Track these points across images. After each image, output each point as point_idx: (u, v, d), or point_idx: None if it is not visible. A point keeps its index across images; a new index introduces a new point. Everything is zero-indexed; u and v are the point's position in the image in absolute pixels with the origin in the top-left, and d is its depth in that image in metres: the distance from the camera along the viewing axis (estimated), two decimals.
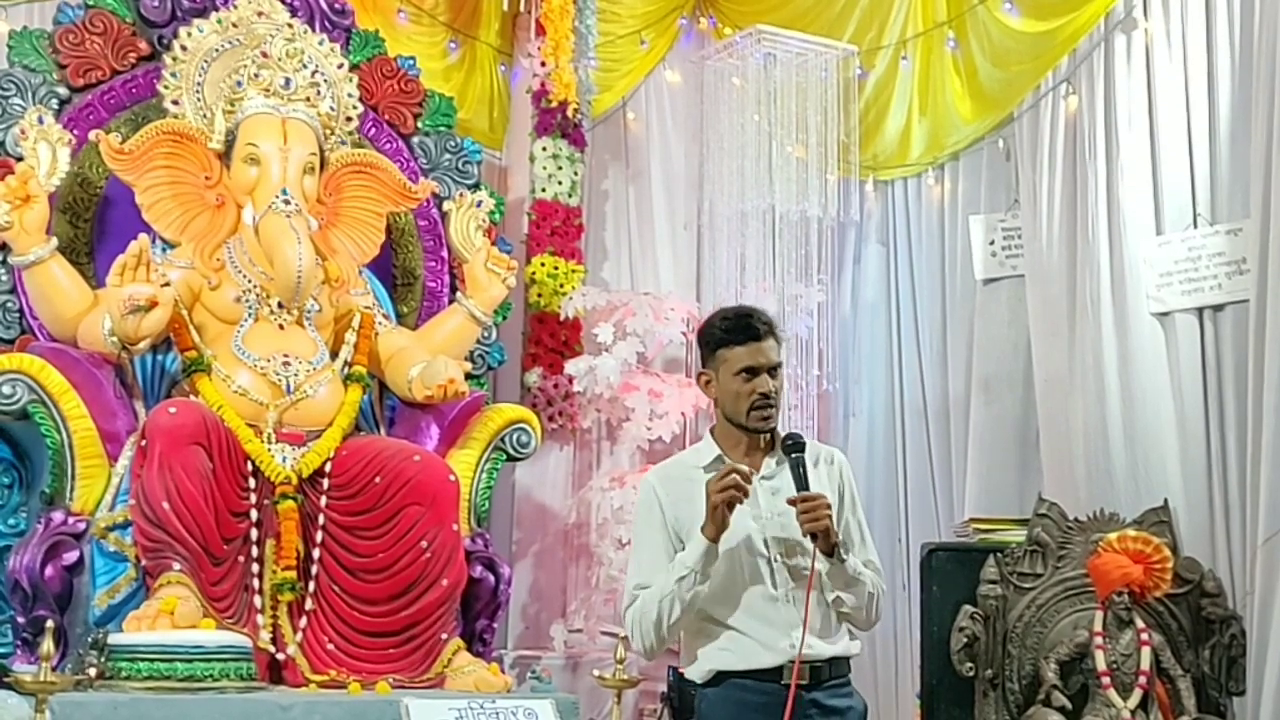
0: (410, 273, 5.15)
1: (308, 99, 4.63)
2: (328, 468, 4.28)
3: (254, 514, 4.14)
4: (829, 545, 3.00)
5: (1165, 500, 4.94)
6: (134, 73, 4.76)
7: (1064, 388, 5.40)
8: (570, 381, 5.67)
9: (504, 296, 4.93)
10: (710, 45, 6.42)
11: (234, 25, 4.73)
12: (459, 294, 4.97)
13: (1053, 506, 4.92)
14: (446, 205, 5.04)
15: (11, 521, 4.29)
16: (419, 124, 5.25)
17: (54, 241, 4.29)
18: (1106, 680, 4.50)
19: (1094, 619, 4.60)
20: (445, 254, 5.16)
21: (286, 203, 4.38)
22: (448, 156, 5.26)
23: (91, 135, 4.48)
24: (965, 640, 4.66)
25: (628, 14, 6.29)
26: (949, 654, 4.64)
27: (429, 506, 4.18)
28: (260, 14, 4.72)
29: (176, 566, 3.84)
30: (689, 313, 5.91)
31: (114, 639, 3.64)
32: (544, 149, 5.89)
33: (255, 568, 4.11)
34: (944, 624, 4.69)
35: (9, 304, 4.47)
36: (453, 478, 4.28)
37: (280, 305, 4.45)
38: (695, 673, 3.18)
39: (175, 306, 4.21)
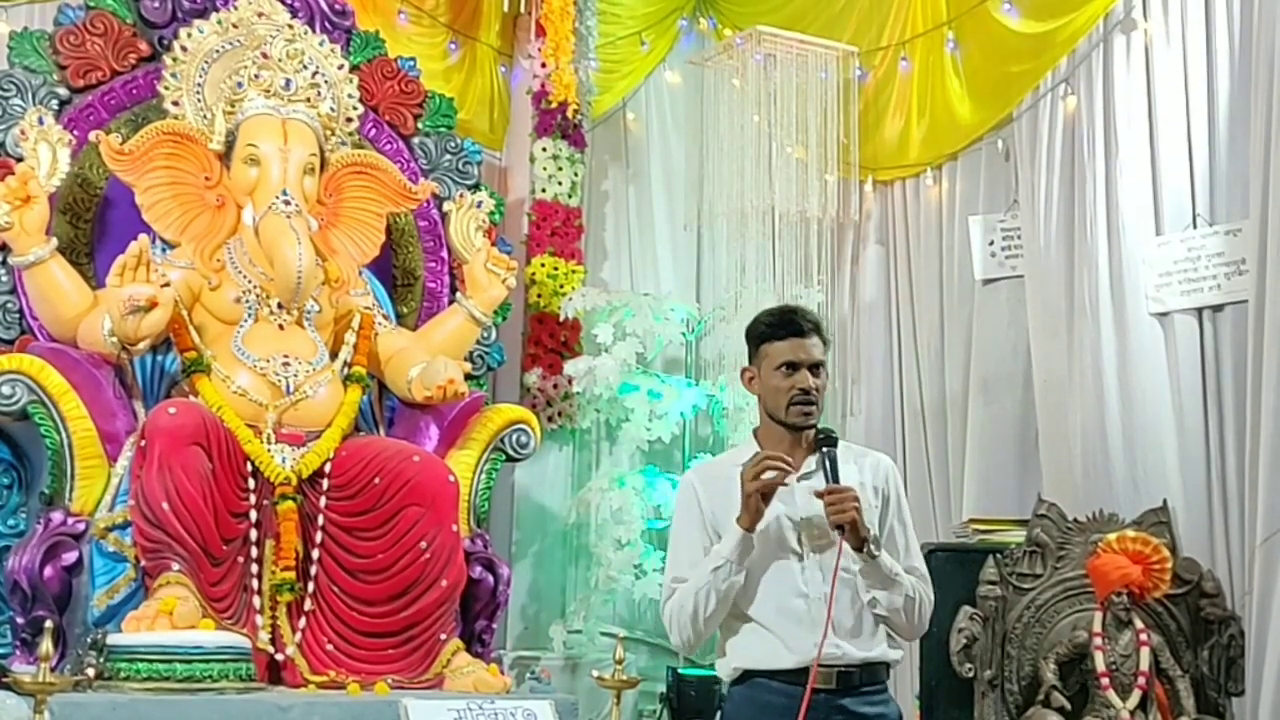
0: (410, 273, 5.15)
1: (308, 100, 4.64)
2: (327, 468, 4.28)
3: (253, 514, 4.15)
4: (858, 540, 2.96)
5: (1164, 501, 4.94)
6: (134, 73, 4.76)
7: (1063, 388, 5.40)
8: (570, 382, 5.68)
9: (504, 297, 4.94)
10: (710, 46, 6.43)
11: (234, 26, 4.73)
12: (459, 294, 4.97)
13: (1052, 507, 4.92)
14: (446, 206, 5.05)
15: (11, 522, 4.30)
16: (419, 125, 5.26)
17: (54, 242, 4.30)
18: (1105, 681, 4.50)
19: (1093, 619, 4.60)
20: (445, 254, 5.16)
21: (287, 203, 4.38)
22: (448, 157, 5.27)
23: (92, 136, 4.48)
24: (964, 641, 4.66)
25: (628, 15, 6.30)
26: (948, 654, 4.63)
27: (428, 507, 4.19)
28: (261, 15, 4.73)
29: (176, 567, 3.85)
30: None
31: (113, 639, 3.64)
32: (544, 150, 5.90)
33: (254, 568, 4.12)
34: (943, 625, 4.68)
35: (9, 304, 4.47)
36: (452, 478, 4.28)
37: (280, 306, 4.45)
38: (724, 670, 3.16)
39: (175, 307, 4.21)
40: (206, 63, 4.70)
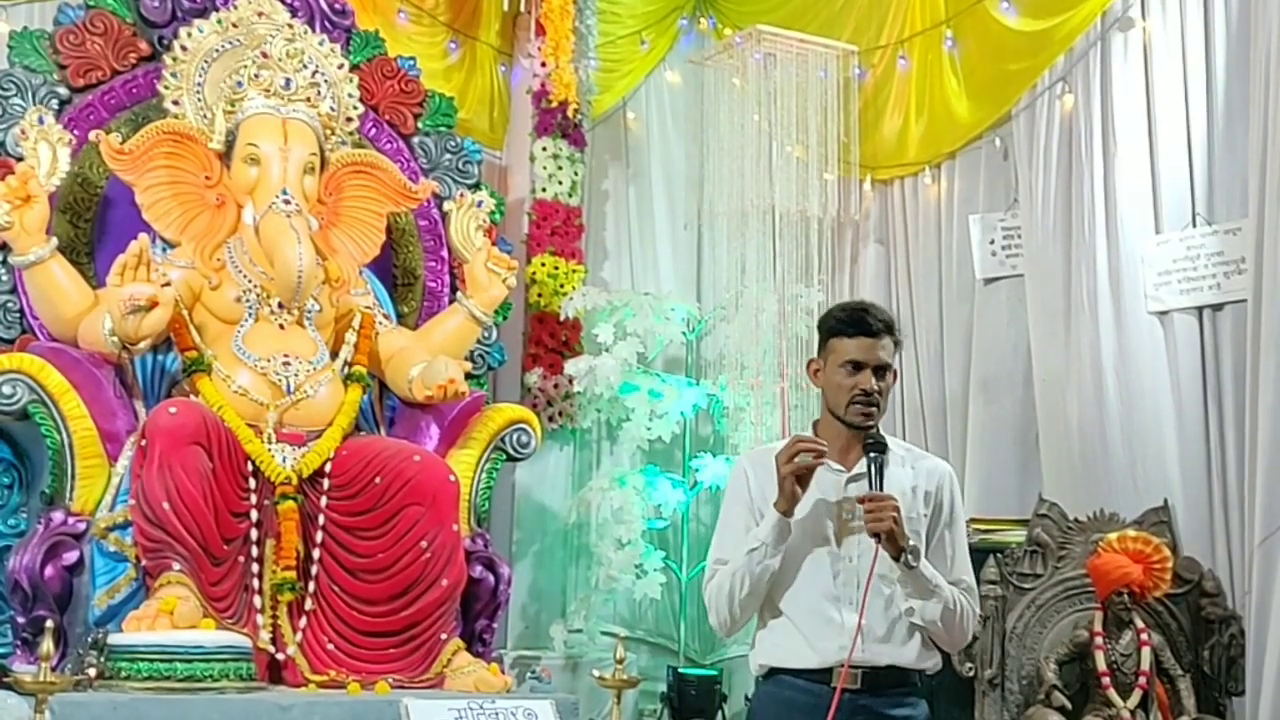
0: (410, 273, 5.15)
1: (308, 99, 4.64)
2: (328, 468, 4.28)
3: (254, 514, 4.14)
4: (895, 548, 2.93)
5: (1165, 500, 4.95)
6: (134, 73, 4.76)
7: (1063, 387, 5.40)
8: (570, 381, 5.68)
9: (504, 296, 4.93)
10: (710, 45, 6.43)
11: (234, 25, 4.73)
12: (459, 294, 4.97)
13: (1052, 506, 4.93)
14: (447, 205, 5.04)
15: (11, 521, 4.30)
16: (419, 124, 5.26)
17: (54, 241, 4.30)
18: (1106, 680, 4.50)
19: (1094, 619, 4.60)
20: (445, 254, 5.16)
21: (287, 203, 4.38)
22: (448, 156, 5.27)
23: (92, 135, 4.48)
24: (968, 642, 4.65)
25: (628, 14, 6.30)
26: (948, 654, 4.63)
27: (429, 506, 4.18)
28: (260, 14, 4.73)
29: (176, 566, 3.85)
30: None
31: (114, 639, 3.65)
32: (544, 149, 5.90)
33: (255, 568, 4.11)
34: None
35: (9, 304, 4.47)
36: (453, 478, 4.28)
37: (280, 305, 4.45)
38: (753, 664, 3.16)
39: (175, 306, 4.21)
40: (206, 62, 4.70)
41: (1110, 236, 5.29)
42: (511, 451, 4.72)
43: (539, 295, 5.81)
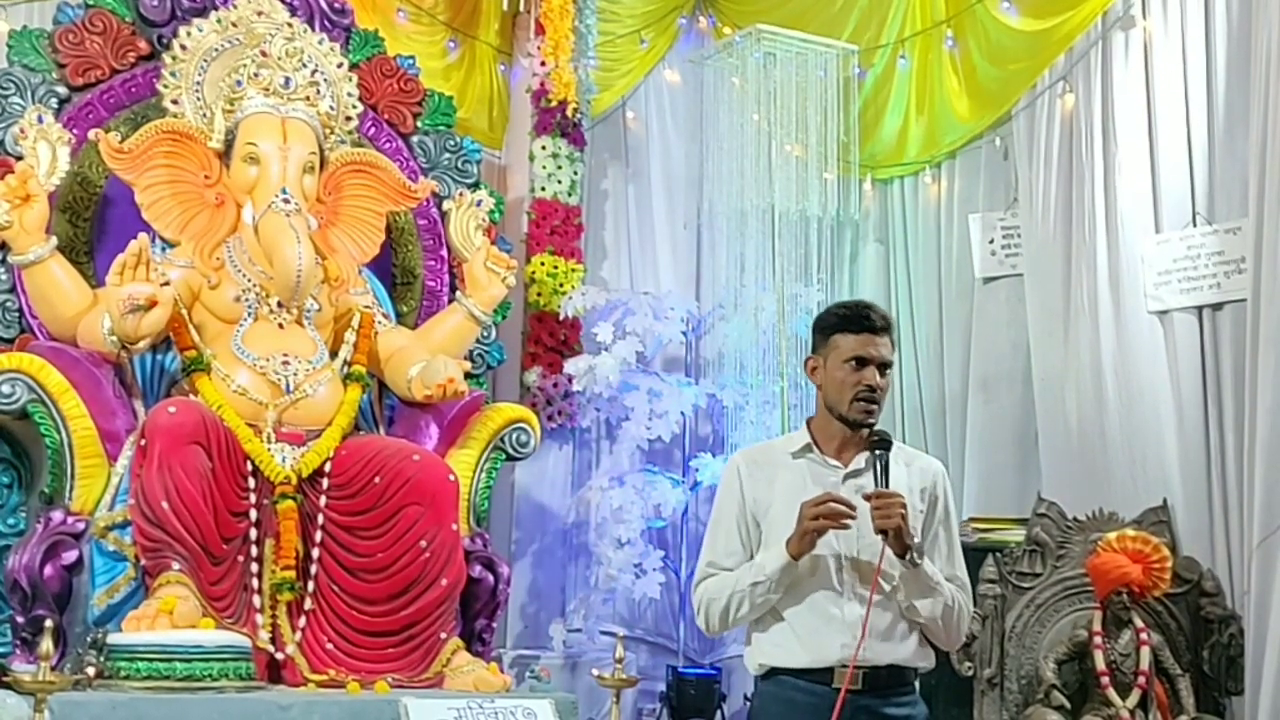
0: (410, 272, 5.15)
1: (307, 98, 4.63)
2: (327, 467, 4.28)
3: (253, 514, 4.14)
4: (901, 546, 2.94)
5: (1164, 500, 4.95)
6: (133, 72, 4.75)
7: (1062, 386, 5.41)
8: (570, 381, 5.68)
9: (503, 296, 4.93)
10: (710, 44, 6.43)
11: (233, 25, 4.73)
12: (458, 293, 4.96)
13: (1051, 506, 4.93)
14: (446, 204, 5.04)
15: (11, 521, 4.29)
16: (418, 123, 5.25)
17: (53, 241, 4.29)
18: (1105, 680, 4.50)
19: (1093, 618, 4.60)
20: (445, 253, 5.16)
21: (286, 202, 4.38)
22: (447, 156, 5.26)
23: (91, 134, 4.47)
24: (964, 640, 4.65)
25: (627, 14, 6.29)
26: (948, 653, 4.63)
27: (428, 506, 4.18)
28: (260, 13, 4.72)
29: (176, 566, 3.84)
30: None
31: (113, 639, 3.64)
32: (543, 148, 5.90)
33: (254, 567, 4.11)
34: None
35: (9, 303, 4.46)
36: (452, 477, 4.27)
37: (280, 304, 4.45)
38: (750, 664, 3.16)
39: (175, 306, 4.20)
40: (206, 61, 4.69)
41: (1110, 236, 5.30)
42: (511, 451, 4.72)
43: (538, 294, 5.80)
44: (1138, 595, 4.56)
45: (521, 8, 6.02)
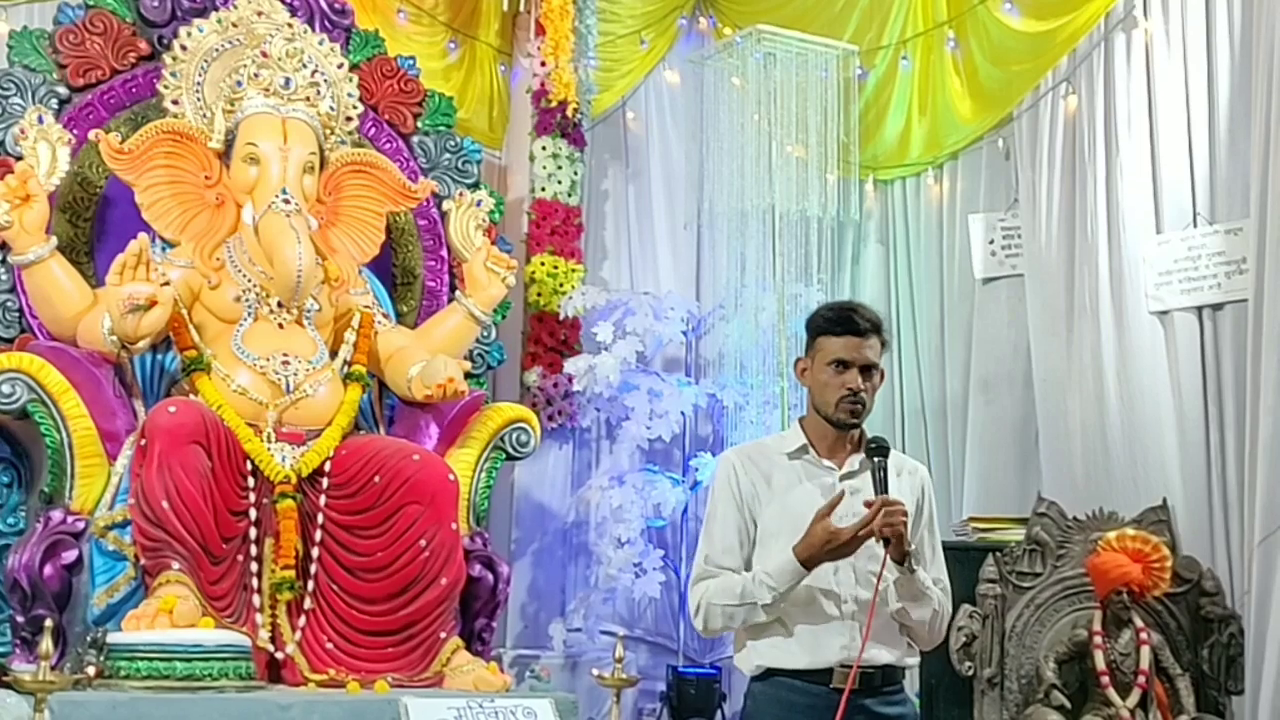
0: (410, 272, 5.15)
1: (307, 99, 4.63)
2: (327, 467, 4.28)
3: (253, 513, 4.14)
4: (900, 553, 2.95)
5: (1164, 499, 4.95)
6: (134, 72, 4.76)
7: (1063, 387, 5.41)
8: (570, 381, 5.68)
9: (503, 296, 4.93)
10: (710, 45, 6.43)
11: (234, 25, 4.73)
12: (458, 293, 4.96)
13: (1052, 505, 4.93)
14: (446, 204, 5.04)
15: (11, 520, 4.30)
16: (419, 123, 5.25)
17: (54, 241, 4.29)
18: (1105, 679, 4.50)
19: (1093, 618, 4.60)
20: (445, 253, 5.16)
21: (286, 202, 4.38)
22: (447, 156, 5.27)
23: (91, 135, 4.48)
24: (964, 639, 4.66)
25: (627, 14, 6.30)
26: (948, 653, 4.64)
27: (428, 505, 4.18)
28: (260, 14, 4.72)
29: (175, 565, 3.84)
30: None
31: (113, 638, 3.64)
32: (544, 148, 5.90)
33: (254, 567, 4.11)
34: None
35: (9, 303, 4.47)
36: (452, 477, 4.27)
37: (280, 304, 4.45)
38: (744, 664, 3.17)
39: (175, 306, 4.20)
40: (206, 61, 4.69)
41: (1111, 236, 5.30)
42: (511, 450, 4.72)
43: (538, 294, 5.81)
44: (1138, 595, 4.56)
45: (522, 8, 6.03)
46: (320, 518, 4.22)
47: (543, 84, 5.88)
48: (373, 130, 5.11)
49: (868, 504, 2.96)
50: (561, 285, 5.80)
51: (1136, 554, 4.55)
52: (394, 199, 4.88)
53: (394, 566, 4.15)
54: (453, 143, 5.30)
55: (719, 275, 6.21)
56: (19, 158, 4.34)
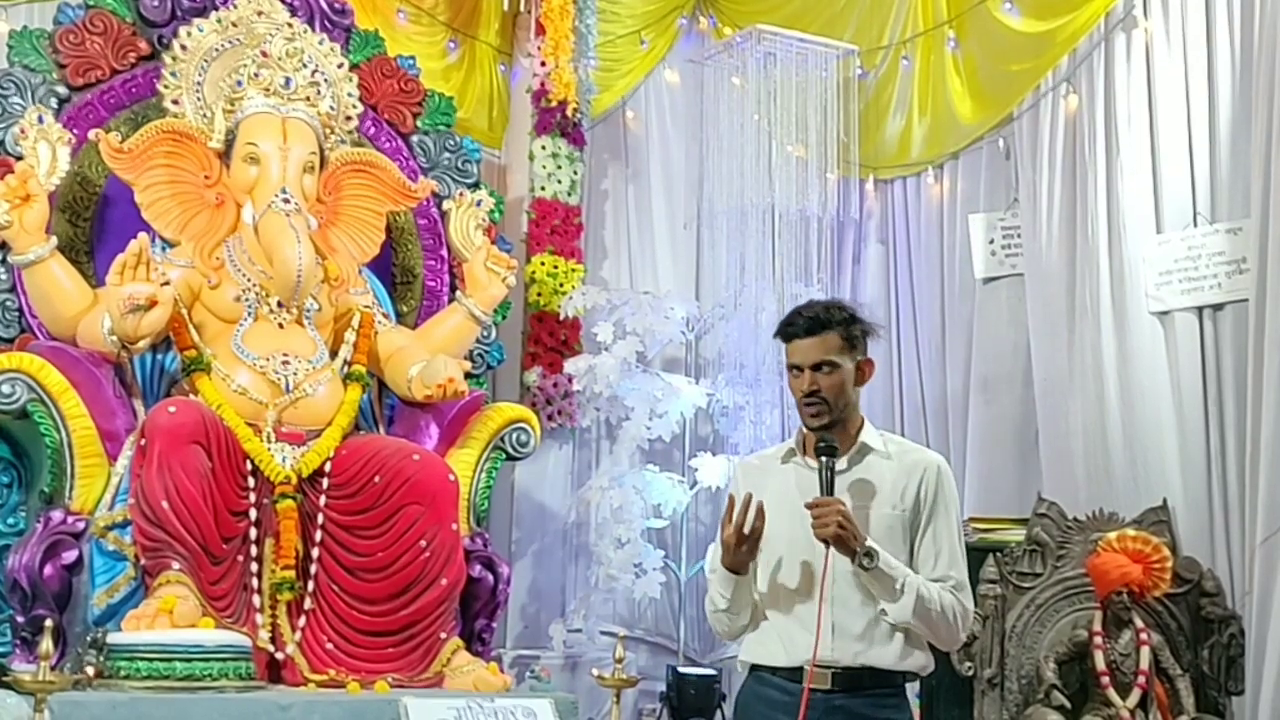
0: (410, 272, 5.15)
1: (307, 98, 4.63)
2: (327, 467, 4.27)
3: (253, 513, 4.14)
4: (847, 550, 2.93)
5: (1164, 500, 4.95)
6: (134, 72, 4.76)
7: (1063, 387, 5.40)
8: (570, 381, 5.68)
9: (503, 295, 4.93)
10: (710, 45, 6.43)
11: (234, 25, 4.73)
12: (458, 293, 4.96)
13: (1052, 506, 4.93)
14: (446, 204, 5.04)
15: (11, 520, 4.29)
16: (418, 123, 5.25)
17: (53, 240, 4.29)
18: (1105, 679, 4.50)
19: (1093, 618, 4.60)
20: (445, 253, 5.16)
21: (286, 202, 4.38)
22: (447, 155, 5.26)
23: (91, 134, 4.48)
24: (964, 640, 4.65)
25: (627, 14, 6.30)
26: (948, 653, 4.63)
27: (428, 506, 4.18)
28: (260, 13, 4.72)
29: (175, 566, 3.84)
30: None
31: (113, 638, 3.64)
32: (543, 148, 5.90)
33: (254, 567, 4.11)
34: None
35: (9, 303, 4.47)
36: (452, 477, 4.27)
37: (280, 304, 4.45)
38: (739, 661, 3.20)
39: (175, 305, 4.20)
40: (206, 61, 4.69)
41: (1112, 236, 5.30)
42: (511, 451, 4.72)
43: (538, 294, 5.80)
44: (1138, 595, 4.56)
45: (521, 8, 6.03)
46: (320, 518, 4.22)
47: (543, 83, 5.87)
48: (373, 130, 5.11)
49: (807, 505, 2.96)
50: (561, 285, 5.80)
51: (1137, 554, 4.55)
52: (394, 199, 4.88)
53: (394, 567, 4.15)
54: (452, 142, 5.29)
55: (719, 275, 6.21)
56: (19, 157, 4.34)
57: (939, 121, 6.14)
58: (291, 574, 4.11)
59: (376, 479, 4.22)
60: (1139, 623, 4.57)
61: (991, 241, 5.85)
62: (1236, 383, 4.87)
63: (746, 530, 2.96)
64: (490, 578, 4.49)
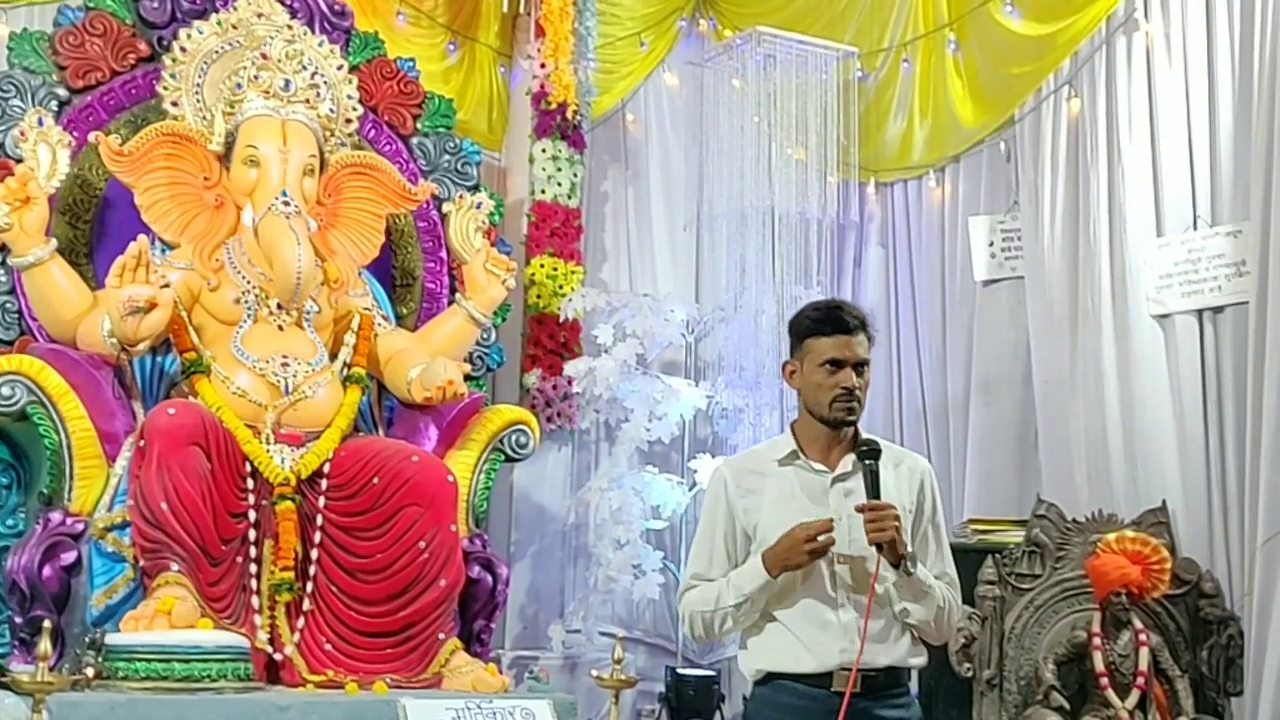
0: (409, 274, 5.15)
1: (307, 101, 4.63)
2: (326, 468, 4.28)
3: (252, 514, 4.14)
4: (895, 556, 2.94)
5: (1164, 501, 4.95)
6: (133, 74, 4.76)
7: (1063, 389, 5.40)
8: (569, 383, 5.68)
9: (503, 298, 4.94)
10: (710, 47, 6.44)
11: (234, 27, 4.73)
12: (458, 295, 4.97)
13: (1051, 507, 4.93)
14: (446, 207, 5.05)
15: (10, 522, 4.29)
16: (418, 125, 5.26)
17: (53, 243, 4.30)
18: (1105, 681, 4.50)
19: (1092, 619, 4.60)
20: (444, 255, 5.16)
21: (286, 204, 4.38)
22: (447, 158, 5.27)
23: (91, 137, 4.48)
24: (963, 641, 4.66)
25: (627, 16, 6.30)
26: (947, 654, 4.64)
27: (427, 507, 4.18)
28: (260, 16, 4.73)
29: (174, 567, 3.84)
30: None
31: (111, 639, 3.64)
32: (543, 150, 5.90)
33: (253, 568, 4.11)
34: None
35: (8, 305, 4.47)
36: (451, 478, 4.28)
37: (279, 306, 4.45)
38: (746, 668, 3.16)
39: (174, 308, 4.21)
40: (206, 63, 4.70)
41: (1113, 239, 5.30)
42: (510, 452, 4.72)
43: (538, 296, 5.81)
44: (1137, 596, 4.56)
45: (521, 10, 6.03)
46: (319, 519, 4.22)
47: (542, 86, 5.88)
48: (372, 132, 5.12)
49: (859, 508, 2.95)
50: (561, 287, 5.80)
51: (1136, 556, 4.55)
52: (394, 201, 4.88)
53: (393, 568, 4.15)
54: (452, 144, 5.30)
55: (719, 277, 6.22)
56: (19, 160, 4.34)
57: (940, 124, 6.14)
58: (290, 575, 4.11)
59: (375, 480, 4.22)
60: (1138, 624, 4.57)
61: (992, 244, 5.85)
62: (1236, 385, 4.87)
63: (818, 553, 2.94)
64: (489, 579, 4.49)
